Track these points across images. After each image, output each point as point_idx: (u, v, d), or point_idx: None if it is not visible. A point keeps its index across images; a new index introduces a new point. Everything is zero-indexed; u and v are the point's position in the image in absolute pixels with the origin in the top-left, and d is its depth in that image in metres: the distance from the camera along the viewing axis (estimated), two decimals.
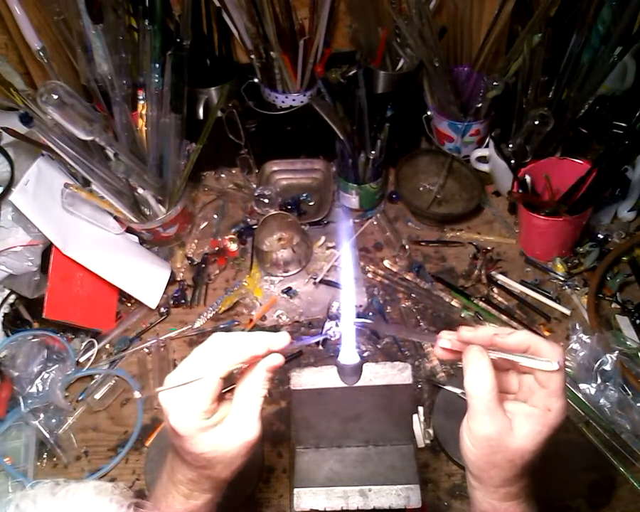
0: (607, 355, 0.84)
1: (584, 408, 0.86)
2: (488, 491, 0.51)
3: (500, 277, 1.03)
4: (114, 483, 0.51)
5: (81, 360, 0.96)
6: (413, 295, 1.02)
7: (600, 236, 1.06)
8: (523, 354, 0.50)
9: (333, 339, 0.54)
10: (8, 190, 0.92)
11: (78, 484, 0.47)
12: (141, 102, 1.01)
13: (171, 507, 0.54)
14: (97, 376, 0.95)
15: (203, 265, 1.08)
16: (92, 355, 0.96)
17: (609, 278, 1.01)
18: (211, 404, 0.50)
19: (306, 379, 0.61)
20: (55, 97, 0.82)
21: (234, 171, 1.25)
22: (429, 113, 1.18)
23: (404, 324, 0.99)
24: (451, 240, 1.11)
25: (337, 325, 0.53)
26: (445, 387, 0.88)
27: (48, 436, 0.87)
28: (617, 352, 0.84)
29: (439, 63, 1.07)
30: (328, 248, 1.11)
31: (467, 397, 0.49)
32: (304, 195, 1.19)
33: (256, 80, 1.19)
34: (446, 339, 0.52)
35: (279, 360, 0.53)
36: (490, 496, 0.51)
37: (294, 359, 0.95)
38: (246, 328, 1.00)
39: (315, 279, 1.05)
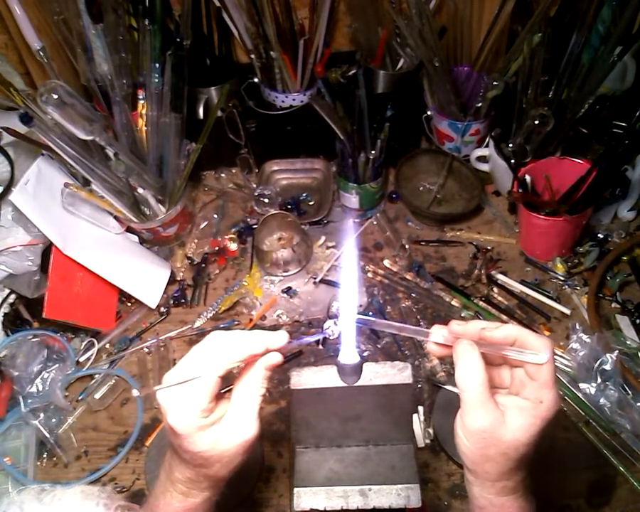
0: (607, 355, 0.84)
1: (584, 408, 0.86)
2: (484, 486, 0.52)
3: (500, 277, 1.03)
4: (101, 487, 0.51)
5: (81, 359, 0.96)
6: (413, 295, 1.02)
7: (600, 236, 1.06)
8: (512, 347, 0.50)
9: (331, 338, 0.53)
10: (8, 190, 0.92)
11: (64, 489, 0.47)
12: (141, 101, 1.01)
13: (170, 505, 0.55)
14: (97, 376, 0.95)
15: (203, 265, 1.08)
16: (92, 355, 0.96)
17: (609, 278, 1.01)
18: (209, 403, 0.50)
19: (306, 379, 0.61)
20: (55, 97, 0.82)
21: (234, 171, 1.25)
22: (429, 113, 1.18)
23: (404, 324, 0.99)
24: (451, 240, 1.11)
25: (335, 323, 0.53)
26: (445, 386, 0.88)
27: (48, 435, 0.87)
28: (617, 352, 0.84)
29: (439, 63, 1.07)
30: (328, 248, 1.11)
31: (459, 391, 0.50)
32: (304, 195, 1.19)
33: (256, 80, 1.19)
34: (438, 334, 0.52)
35: (277, 358, 0.53)
36: (487, 490, 0.52)
37: (294, 358, 0.95)
38: (246, 327, 1.00)
39: (315, 278, 1.05)
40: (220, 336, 0.52)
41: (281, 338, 0.53)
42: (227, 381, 0.53)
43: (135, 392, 0.50)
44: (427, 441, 0.84)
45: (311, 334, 0.97)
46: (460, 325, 0.52)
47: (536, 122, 0.98)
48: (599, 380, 0.84)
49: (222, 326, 1.00)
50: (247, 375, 0.53)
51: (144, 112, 1.01)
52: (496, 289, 1.02)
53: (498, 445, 0.48)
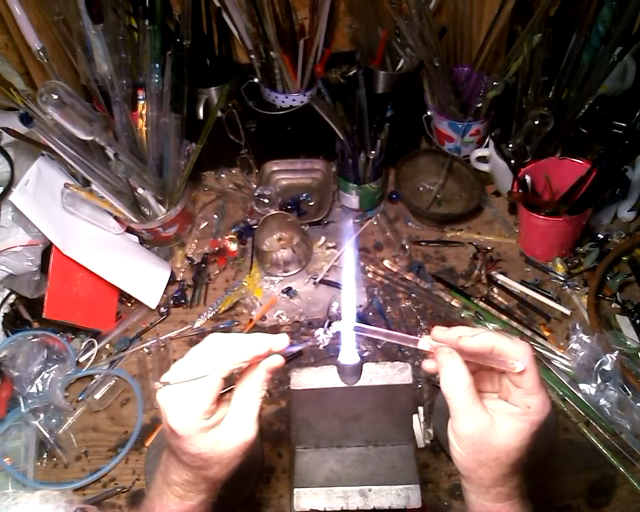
0: (607, 355, 0.84)
1: (584, 408, 0.86)
2: (480, 493, 0.51)
3: (500, 277, 1.03)
4: (61, 491, 0.51)
5: (81, 360, 0.96)
6: (413, 295, 1.02)
7: (600, 236, 1.06)
8: (490, 356, 0.50)
9: (321, 346, 0.53)
10: (8, 190, 0.92)
11: (24, 494, 0.47)
12: (141, 102, 1.01)
13: (166, 508, 0.54)
14: (97, 376, 0.95)
15: (203, 265, 1.08)
16: (92, 355, 0.96)
17: (609, 278, 1.01)
18: (211, 405, 0.50)
19: (306, 379, 0.61)
20: (55, 97, 0.82)
21: (234, 171, 1.25)
22: (429, 113, 1.18)
23: (404, 324, 0.99)
24: (451, 240, 1.11)
25: (325, 332, 0.53)
26: None
27: (47, 436, 0.87)
28: (617, 352, 0.84)
29: (439, 63, 1.07)
30: (328, 248, 1.11)
31: (447, 399, 0.49)
32: (304, 195, 1.19)
33: (256, 80, 1.19)
34: (425, 342, 0.52)
35: (279, 361, 0.53)
36: (482, 497, 0.51)
37: (294, 359, 0.95)
38: (246, 328, 1.00)
39: (315, 279, 1.05)
40: (220, 337, 0.52)
41: (282, 340, 0.53)
42: (228, 383, 0.53)
43: (158, 385, 0.50)
44: (427, 441, 0.84)
45: (310, 335, 0.97)
46: (442, 331, 0.51)
47: (536, 122, 0.98)
48: (599, 381, 0.84)
49: (222, 326, 1.00)
50: (248, 377, 0.53)
51: (144, 112, 1.01)
52: (496, 290, 1.02)
53: (489, 450, 0.48)
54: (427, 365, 0.53)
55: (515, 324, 0.96)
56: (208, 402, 0.50)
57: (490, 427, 0.48)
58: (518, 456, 0.49)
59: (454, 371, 0.49)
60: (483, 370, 0.54)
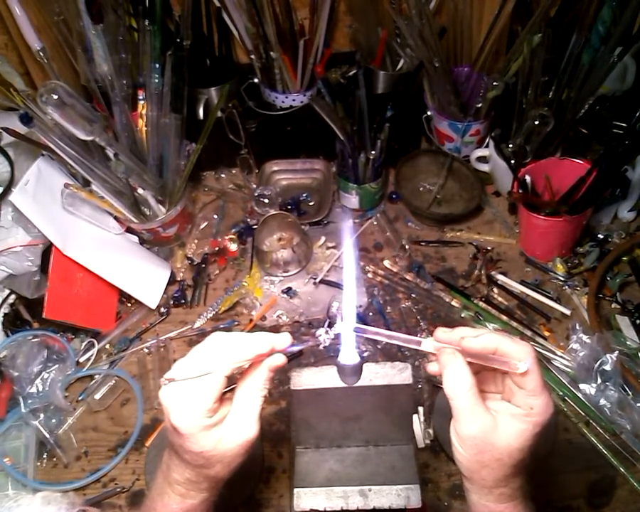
0: (607, 355, 0.84)
1: (584, 408, 0.86)
2: (482, 493, 0.51)
3: (501, 277, 1.03)
4: (63, 493, 0.51)
5: (81, 360, 0.96)
6: (413, 295, 1.02)
7: (600, 236, 1.06)
8: (492, 357, 0.50)
9: (322, 346, 0.53)
10: (8, 190, 0.92)
11: (25, 496, 0.47)
12: (141, 102, 1.01)
13: (167, 506, 0.55)
14: (97, 376, 0.95)
15: (203, 265, 1.08)
16: (92, 355, 0.96)
17: (609, 278, 1.01)
18: (214, 403, 0.50)
19: (306, 379, 0.62)
20: (55, 97, 0.82)
21: (234, 171, 1.25)
22: (429, 113, 1.18)
23: (404, 324, 0.99)
24: (451, 240, 1.11)
25: (327, 332, 0.53)
26: None
27: (47, 436, 0.87)
28: (617, 352, 0.84)
29: (439, 63, 1.07)
30: (328, 248, 1.11)
31: (449, 400, 0.49)
32: (304, 195, 1.19)
33: (256, 80, 1.19)
34: (428, 343, 0.52)
35: (282, 360, 0.53)
36: (485, 498, 0.51)
37: (294, 359, 0.95)
38: (246, 328, 1.00)
39: (315, 279, 1.05)
40: (222, 336, 0.52)
41: (285, 339, 0.53)
42: (230, 382, 0.53)
43: (163, 381, 0.50)
44: (427, 441, 0.83)
45: (310, 335, 0.97)
46: (445, 332, 0.51)
47: (536, 123, 0.98)
48: (599, 381, 0.84)
49: (222, 326, 1.00)
50: (250, 375, 0.53)
51: (144, 112, 1.01)
52: (496, 290, 1.02)
53: (491, 451, 0.48)
54: (431, 367, 0.53)
55: (515, 324, 0.96)
56: (210, 400, 0.50)
57: (493, 428, 0.48)
58: (520, 457, 0.49)
59: (457, 372, 0.49)
60: (486, 370, 0.54)
